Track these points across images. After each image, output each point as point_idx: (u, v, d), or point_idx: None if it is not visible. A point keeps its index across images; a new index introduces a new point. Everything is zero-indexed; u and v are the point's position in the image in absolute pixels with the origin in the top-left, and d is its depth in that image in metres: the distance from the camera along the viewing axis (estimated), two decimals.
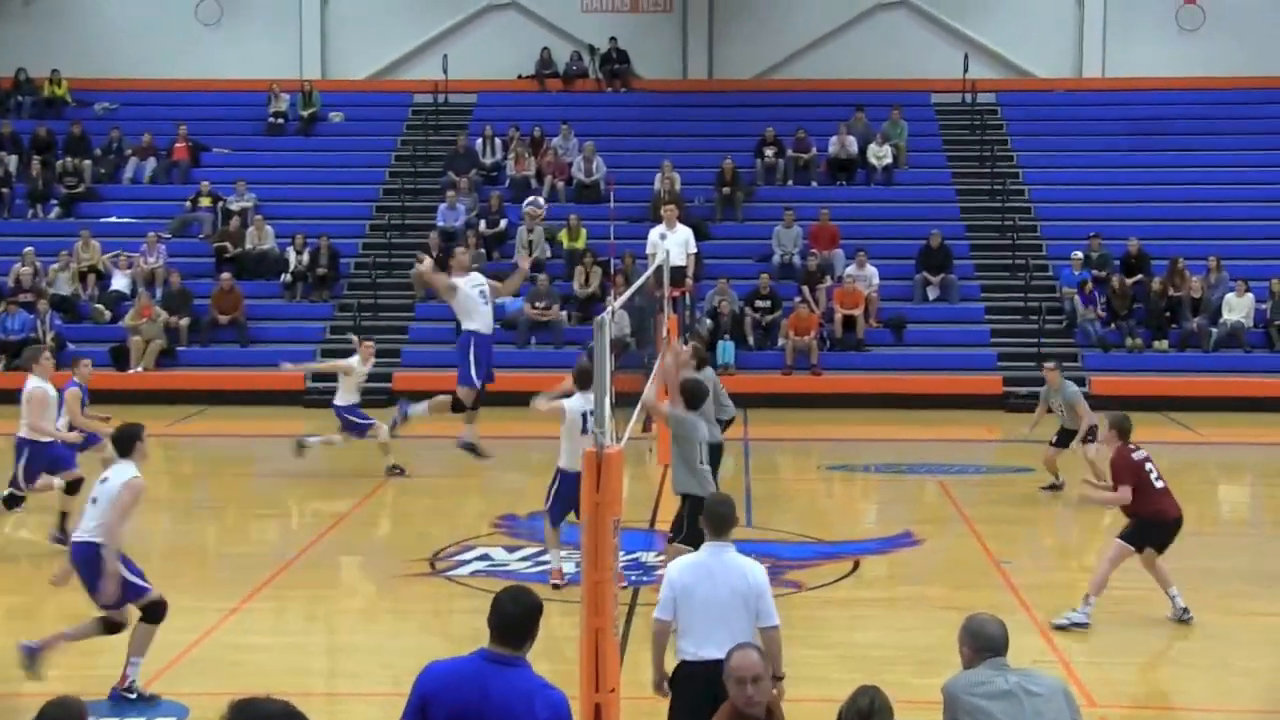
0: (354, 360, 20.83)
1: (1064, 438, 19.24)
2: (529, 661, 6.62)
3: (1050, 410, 19.48)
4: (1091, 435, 18.47)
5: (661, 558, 14.50)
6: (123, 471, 11.40)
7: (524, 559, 15.92)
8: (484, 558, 15.95)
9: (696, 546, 13.13)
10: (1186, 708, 11.87)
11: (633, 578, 14.66)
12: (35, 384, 16.05)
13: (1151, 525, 13.35)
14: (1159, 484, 13.42)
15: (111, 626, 11.47)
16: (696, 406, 13.70)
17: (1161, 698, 12.09)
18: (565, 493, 13.98)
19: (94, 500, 11.47)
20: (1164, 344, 27.97)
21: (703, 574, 8.61)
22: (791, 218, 30.38)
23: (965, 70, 35.09)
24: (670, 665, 8.78)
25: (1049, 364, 20.54)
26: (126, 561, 11.39)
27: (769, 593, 8.59)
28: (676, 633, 8.60)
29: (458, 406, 17.90)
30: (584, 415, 13.73)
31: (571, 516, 14.04)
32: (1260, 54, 34.49)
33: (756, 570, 8.68)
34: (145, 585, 11.43)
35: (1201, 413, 23.92)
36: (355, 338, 22.32)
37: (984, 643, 7.20)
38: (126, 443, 11.53)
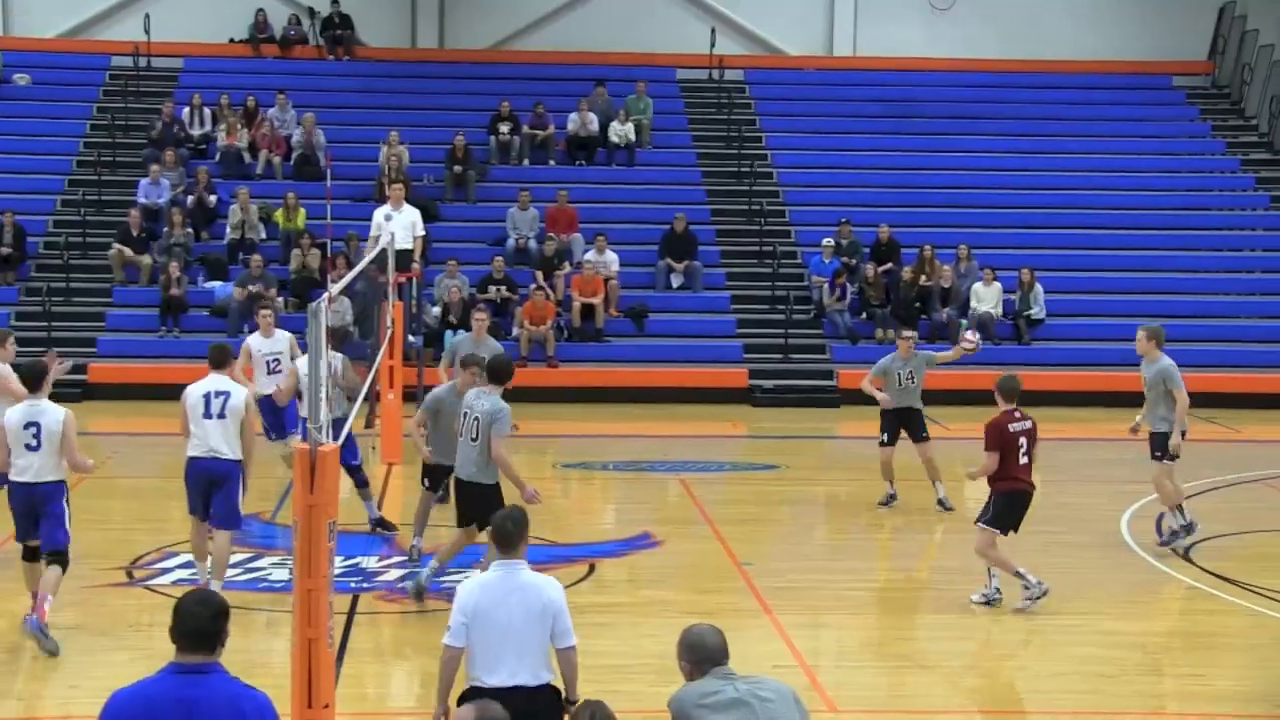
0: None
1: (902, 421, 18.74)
2: (223, 666, 6.44)
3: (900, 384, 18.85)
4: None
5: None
6: None
7: (236, 566, 15.32)
8: (188, 565, 15.33)
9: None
10: (927, 710, 12.01)
11: (352, 584, 14.59)
12: None
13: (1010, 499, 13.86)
14: (1024, 459, 13.87)
15: None
16: None
17: (901, 701, 12.21)
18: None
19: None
20: (911, 334, 28.39)
21: (495, 596, 8.52)
22: (527, 199, 30.45)
23: (712, 45, 35.52)
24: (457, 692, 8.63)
25: (906, 332, 20.32)
26: None
27: (566, 611, 8.55)
28: (467, 659, 8.45)
29: None
30: (205, 398, 13.74)
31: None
32: (1012, 36, 35.58)
33: (552, 586, 8.68)
34: None
35: (950, 407, 24.37)
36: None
37: (704, 654, 7.31)
38: None
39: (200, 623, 6.34)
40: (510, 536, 8.74)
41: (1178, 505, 16.62)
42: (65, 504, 12.79)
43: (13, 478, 12.75)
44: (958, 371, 22.90)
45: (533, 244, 29.96)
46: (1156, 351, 16.62)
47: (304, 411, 15.58)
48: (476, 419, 13.47)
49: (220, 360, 14.01)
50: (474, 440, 13.55)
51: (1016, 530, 13.95)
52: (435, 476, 15.30)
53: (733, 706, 7.01)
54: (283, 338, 19.11)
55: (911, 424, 18.69)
